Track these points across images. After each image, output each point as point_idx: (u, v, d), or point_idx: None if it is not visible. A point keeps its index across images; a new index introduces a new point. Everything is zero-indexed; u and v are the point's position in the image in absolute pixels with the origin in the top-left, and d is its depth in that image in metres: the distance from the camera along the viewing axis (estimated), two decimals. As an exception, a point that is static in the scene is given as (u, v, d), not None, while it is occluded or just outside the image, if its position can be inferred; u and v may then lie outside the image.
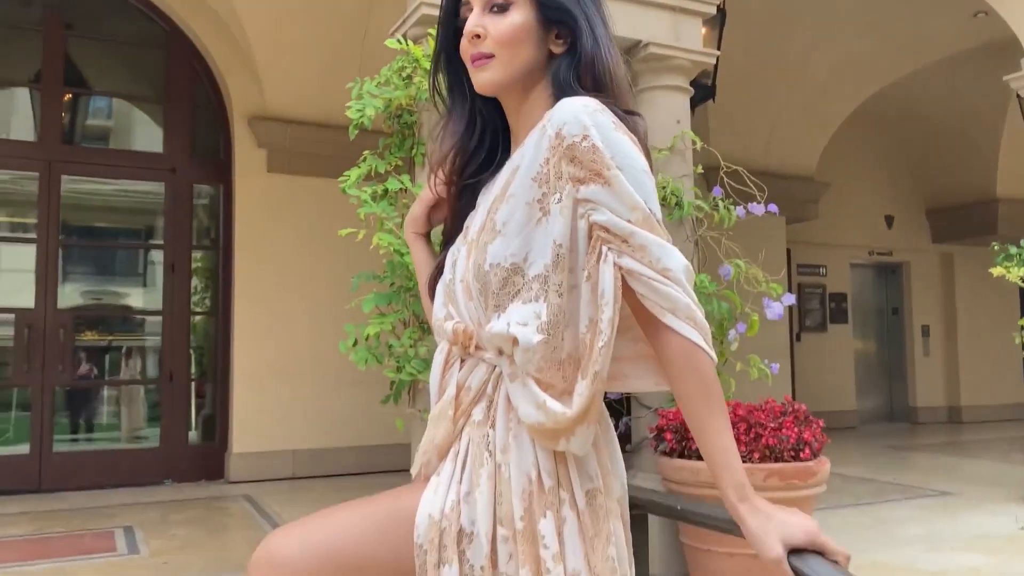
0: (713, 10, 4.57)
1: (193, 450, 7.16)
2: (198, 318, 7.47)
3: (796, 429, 3.64)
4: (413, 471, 1.30)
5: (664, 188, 4.20)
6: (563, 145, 1.19)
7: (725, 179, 4.70)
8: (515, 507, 1.17)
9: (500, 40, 1.29)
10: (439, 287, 1.34)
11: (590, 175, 1.19)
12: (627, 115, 1.27)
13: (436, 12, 2.96)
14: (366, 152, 3.79)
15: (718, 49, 7.00)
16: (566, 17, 1.30)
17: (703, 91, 6.98)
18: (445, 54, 1.37)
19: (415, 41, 3.74)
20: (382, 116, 3.79)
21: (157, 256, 7.37)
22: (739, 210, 4.35)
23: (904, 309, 12.24)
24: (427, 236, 1.53)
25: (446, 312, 1.29)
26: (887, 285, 12.41)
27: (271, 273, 7.05)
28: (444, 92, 1.40)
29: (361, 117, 3.67)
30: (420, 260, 1.51)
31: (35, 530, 5.19)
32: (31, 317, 6.71)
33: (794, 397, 10.34)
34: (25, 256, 6.89)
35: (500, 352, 1.22)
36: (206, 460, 7.06)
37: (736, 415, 3.71)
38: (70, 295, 7.20)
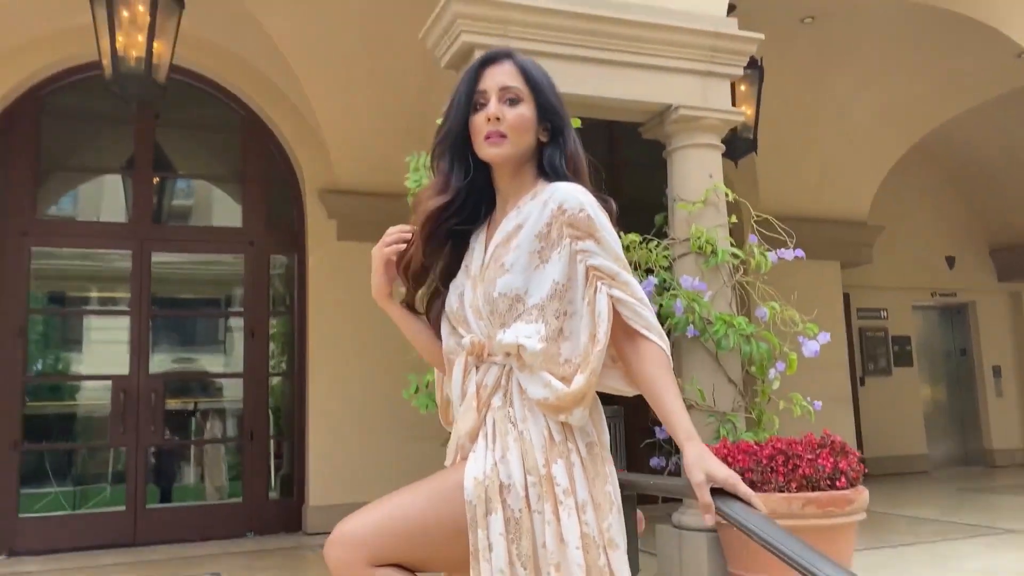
0: (740, 71, 4.89)
1: (273, 504, 7.59)
2: (275, 380, 7.97)
3: (832, 459, 3.83)
4: (447, 462, 1.64)
5: (699, 238, 4.50)
6: (564, 216, 1.63)
7: (777, 225, 4.94)
8: (538, 459, 1.56)
9: (513, 125, 1.68)
10: (443, 319, 1.70)
11: (585, 235, 1.62)
12: (599, 198, 1.68)
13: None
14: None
15: (758, 103, 7.34)
16: (554, 117, 1.72)
17: (745, 144, 7.30)
18: (458, 129, 1.73)
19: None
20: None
21: (237, 323, 7.94)
22: (772, 256, 4.58)
23: (972, 350, 12.05)
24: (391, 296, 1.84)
25: (456, 334, 1.65)
26: (953, 326, 12.27)
27: (343, 334, 7.50)
28: (444, 161, 1.74)
29: (417, 186, 4.11)
30: (399, 316, 1.83)
31: (132, 578, 5.64)
32: (125, 383, 7.30)
33: (860, 442, 10.32)
34: (119, 327, 7.53)
35: (508, 355, 1.58)
36: (285, 513, 7.47)
37: (775, 448, 3.92)
38: (160, 362, 7.78)
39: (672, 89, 4.65)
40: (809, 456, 3.85)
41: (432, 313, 1.79)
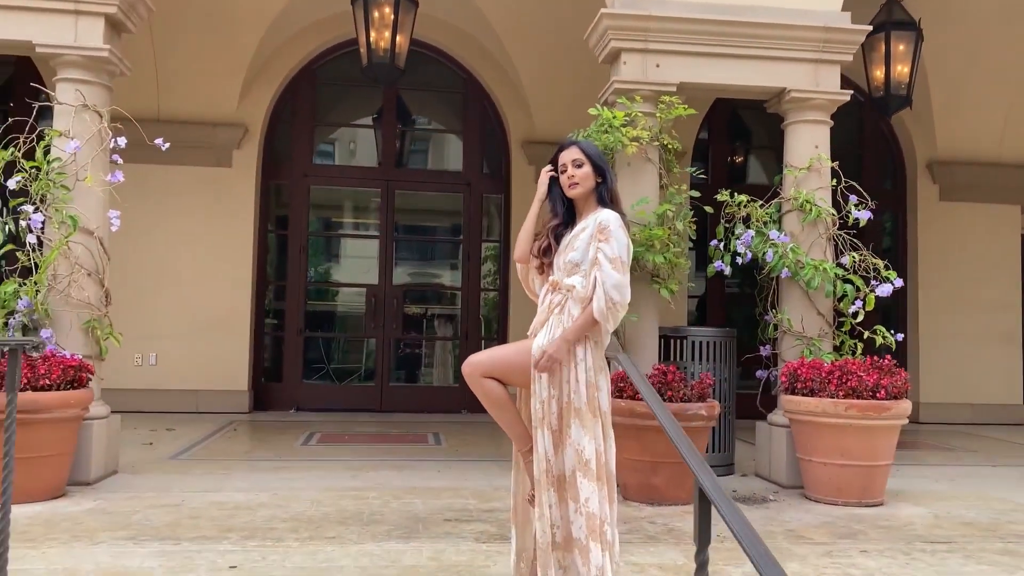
0: (850, 57, 5.79)
1: (481, 391, 9.61)
2: (490, 294, 9.89)
3: (876, 377, 4.96)
4: (528, 334, 3.19)
5: (796, 199, 5.62)
6: (601, 230, 3.00)
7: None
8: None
9: (580, 177, 3.12)
10: (540, 262, 3.13)
11: (605, 239, 2.99)
12: (623, 217, 3.06)
13: (627, 87, 4.93)
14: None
15: (913, 62, 7.93)
16: (602, 171, 3.11)
17: (897, 101, 7.97)
18: (554, 186, 3.20)
19: (609, 107, 5.54)
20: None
21: (458, 247, 9.94)
22: (864, 213, 5.59)
23: None
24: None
25: (546, 273, 3.11)
26: None
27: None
28: (556, 198, 3.21)
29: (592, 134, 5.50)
30: (534, 213, 3.19)
31: (379, 431, 7.85)
32: (375, 290, 9.56)
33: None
34: (371, 247, 9.77)
35: (568, 290, 3.02)
36: (490, 399, 9.46)
37: (835, 366, 5.09)
38: (400, 275, 9.96)
39: (786, 75, 5.71)
40: (860, 373, 5.01)
41: (535, 248, 3.26)
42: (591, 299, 2.94)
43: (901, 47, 7.85)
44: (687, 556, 3.69)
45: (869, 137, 10.21)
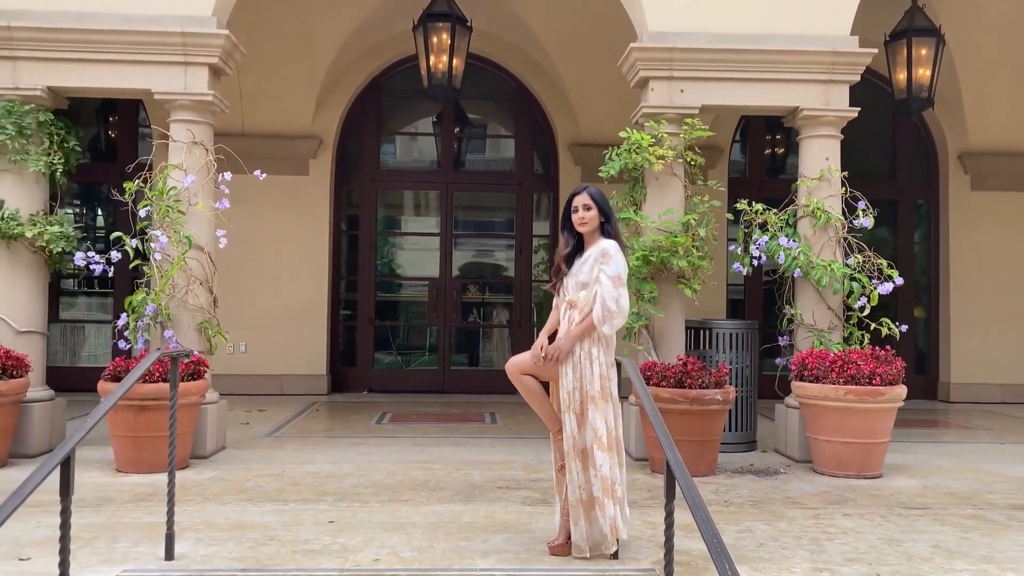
0: (857, 78, 6.42)
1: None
2: (542, 284, 10.75)
3: (873, 364, 5.67)
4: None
5: (808, 207, 6.31)
6: (603, 255, 3.84)
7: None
8: (586, 345, 3.82)
9: (588, 218, 3.93)
10: (560, 291, 3.98)
11: (606, 261, 3.83)
12: (622, 246, 3.87)
13: (654, 111, 5.88)
14: (614, 192, 6.51)
15: (935, 66, 8.45)
16: (606, 213, 3.91)
17: (919, 102, 8.53)
18: (567, 219, 4.02)
19: (639, 128, 6.31)
20: (624, 171, 6.44)
21: (511, 242, 10.82)
22: (866, 221, 6.25)
23: None
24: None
25: (561, 296, 3.95)
26: None
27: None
28: (566, 232, 4.04)
29: (610, 171, 6.33)
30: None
31: (441, 410, 8.83)
32: (437, 283, 10.54)
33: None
34: (432, 243, 10.72)
35: (574, 305, 3.87)
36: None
37: (837, 356, 5.81)
38: (458, 268, 10.89)
39: (798, 96, 6.38)
40: (859, 363, 5.72)
41: (560, 289, 4.08)
42: (591, 309, 3.76)
43: (923, 52, 8.38)
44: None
45: (902, 130, 10.70)
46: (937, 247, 10.67)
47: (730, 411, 6.44)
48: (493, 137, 11.22)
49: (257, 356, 9.84)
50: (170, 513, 3.67)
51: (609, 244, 3.83)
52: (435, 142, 10.84)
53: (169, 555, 3.64)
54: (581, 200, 3.89)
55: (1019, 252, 10.38)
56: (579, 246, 3.97)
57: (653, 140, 6.16)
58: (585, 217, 3.87)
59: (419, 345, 11.02)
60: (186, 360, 5.43)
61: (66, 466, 2.73)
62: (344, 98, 10.17)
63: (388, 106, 10.69)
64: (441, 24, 8.24)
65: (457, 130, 10.82)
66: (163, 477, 5.45)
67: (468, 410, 8.91)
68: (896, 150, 10.76)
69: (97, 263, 5.84)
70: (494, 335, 11.13)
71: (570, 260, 4.00)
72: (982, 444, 7.32)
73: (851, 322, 6.36)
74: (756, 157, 10.83)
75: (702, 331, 6.76)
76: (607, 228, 3.92)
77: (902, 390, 5.76)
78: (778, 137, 10.91)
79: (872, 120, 9.71)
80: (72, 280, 10.60)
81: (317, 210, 10.02)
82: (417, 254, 11.20)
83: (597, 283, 3.77)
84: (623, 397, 4.71)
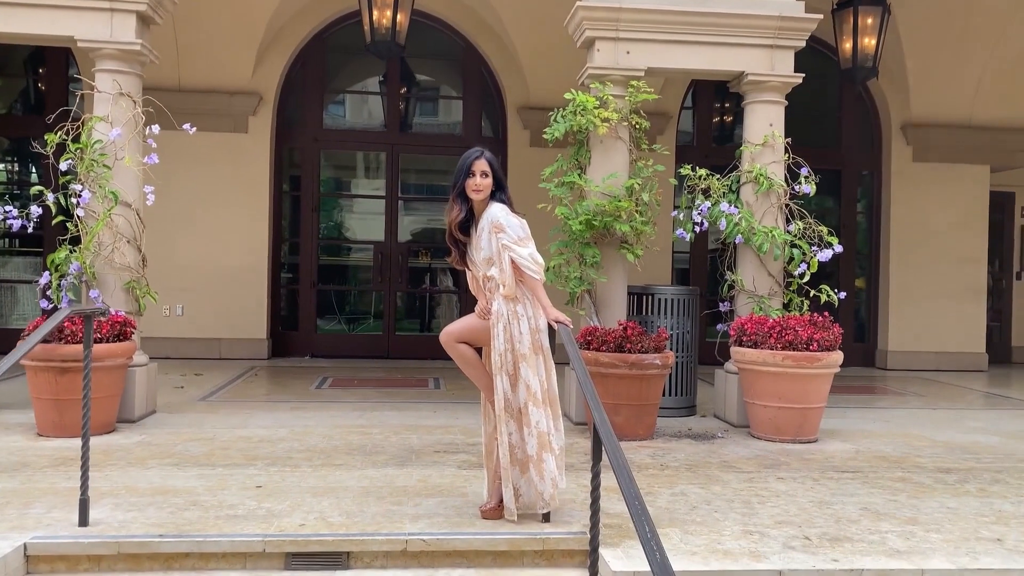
0: (803, 44, 6.38)
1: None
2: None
3: (810, 332, 5.70)
4: (476, 310, 3.94)
5: (751, 172, 6.30)
6: (494, 227, 3.69)
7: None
8: (511, 307, 3.71)
9: (483, 187, 3.79)
10: (469, 261, 3.88)
11: (500, 231, 3.69)
12: (512, 209, 3.76)
13: (600, 72, 5.78)
14: (559, 155, 6.41)
15: (879, 36, 8.49)
16: (500, 181, 3.77)
17: (864, 71, 8.58)
18: (462, 184, 3.88)
19: (585, 90, 6.20)
20: (569, 133, 6.32)
21: (459, 205, 10.65)
22: (807, 188, 6.25)
23: None
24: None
25: (476, 274, 3.85)
26: None
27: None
28: (458, 199, 3.88)
29: (555, 133, 6.21)
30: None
31: (385, 375, 8.72)
32: (382, 247, 10.34)
33: (999, 329, 11.32)
34: (378, 206, 10.51)
35: (491, 279, 3.77)
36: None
37: (775, 322, 5.84)
38: (405, 232, 10.71)
39: (744, 60, 6.33)
40: (797, 329, 5.75)
41: (463, 261, 3.92)
42: (511, 277, 3.67)
43: (869, 21, 8.41)
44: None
45: (847, 100, 10.77)
46: (879, 217, 10.81)
47: (670, 376, 6.48)
48: (442, 98, 11.00)
49: (195, 319, 9.59)
50: (84, 477, 3.52)
51: (495, 212, 3.69)
52: (381, 102, 10.58)
53: (83, 521, 3.50)
54: (480, 166, 3.73)
55: (958, 223, 10.58)
56: (471, 212, 3.82)
57: (598, 102, 6.06)
58: (481, 185, 3.72)
59: (364, 310, 10.86)
60: (102, 318, 5.22)
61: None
62: (286, 54, 9.86)
63: (332, 63, 10.39)
64: (385, -23, 7.99)
65: (404, 90, 10.58)
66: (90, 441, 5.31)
67: (412, 375, 8.82)
68: (841, 120, 10.84)
69: (15, 218, 5.57)
70: (442, 300, 11.01)
71: (464, 227, 3.84)
72: (914, 410, 7.47)
73: (791, 289, 6.39)
74: (704, 124, 10.82)
75: (644, 297, 6.74)
76: (497, 195, 3.77)
77: (838, 356, 5.82)
78: (726, 105, 10.90)
79: (817, 89, 9.74)
80: (2, 240, 10.20)
81: (257, 169, 9.74)
82: (362, 218, 11.00)
83: (505, 251, 3.65)
84: (564, 362, 4.64)
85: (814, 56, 7.63)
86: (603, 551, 3.26)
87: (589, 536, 2.84)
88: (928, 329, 10.53)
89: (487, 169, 3.73)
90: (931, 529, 3.81)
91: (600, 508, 2.86)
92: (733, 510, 4.05)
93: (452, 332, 3.86)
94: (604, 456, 2.66)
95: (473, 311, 3.96)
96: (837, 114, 10.83)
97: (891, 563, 3.34)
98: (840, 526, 3.82)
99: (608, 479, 2.79)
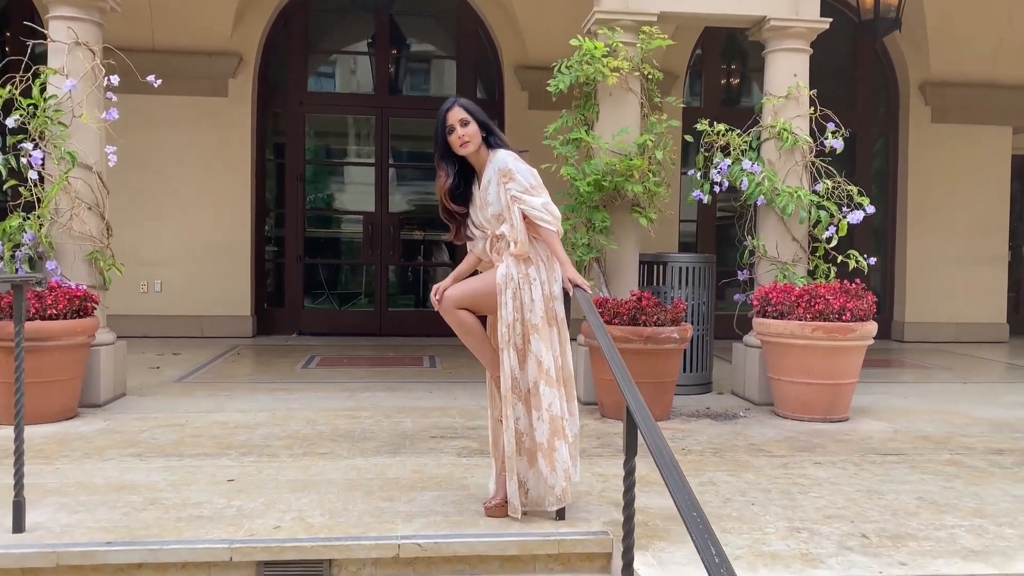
0: (830, -17, 5.82)
1: (477, 314, 9.93)
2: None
3: (843, 301, 5.18)
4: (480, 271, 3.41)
5: (774, 127, 5.75)
6: (502, 175, 3.17)
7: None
8: (522, 269, 3.18)
9: (469, 135, 3.24)
10: (470, 228, 3.32)
11: (510, 179, 3.17)
12: (518, 152, 3.23)
13: (608, 17, 5.09)
14: (563, 111, 5.84)
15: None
16: (485, 124, 3.21)
17: (887, 23, 7.98)
18: (444, 143, 3.29)
19: (591, 38, 5.62)
20: (575, 86, 5.74)
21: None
22: (838, 142, 5.72)
23: None
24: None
25: (479, 230, 3.31)
26: None
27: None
28: (443, 161, 3.29)
29: (559, 85, 5.63)
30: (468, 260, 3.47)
31: (377, 353, 8.19)
32: (373, 218, 9.77)
33: (1022, 304, 10.84)
34: (367, 175, 9.93)
35: (502, 236, 3.24)
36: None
37: (804, 290, 5.31)
38: (397, 203, 10.14)
39: (766, 4, 5.76)
40: (827, 297, 5.23)
41: (462, 235, 3.43)
42: (524, 233, 3.15)
43: (892, -29, 7.80)
44: (649, 467, 3.99)
45: (862, 59, 10.18)
46: (895, 181, 10.27)
47: (685, 351, 5.96)
48: (433, 58, 10.35)
49: (173, 295, 9.03)
50: (18, 474, 2.99)
51: (503, 158, 3.17)
52: (370, 63, 9.95)
53: (18, 527, 2.97)
54: (456, 116, 3.19)
55: (978, 187, 10.04)
56: (462, 174, 3.30)
57: (607, 50, 5.49)
58: (465, 134, 3.18)
59: (354, 285, 10.30)
60: (38, 288, 4.67)
61: None
62: (267, 12, 9.21)
63: (317, 23, 9.74)
64: (372, -75, 7.38)
65: (394, 51, 9.95)
66: (44, 429, 4.76)
67: (406, 353, 8.29)
68: (856, 80, 10.25)
69: (-42, 181, 4.99)
70: (437, 274, 10.45)
71: (456, 194, 3.32)
72: (944, 383, 6.98)
73: (817, 254, 5.87)
74: (712, 87, 10.21)
75: (656, 265, 6.22)
76: (492, 140, 3.25)
77: (872, 327, 5.30)
78: (733, 67, 10.31)
79: (832, 48, 9.15)
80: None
81: (238, 135, 9.12)
82: (351, 187, 10.41)
83: (515, 203, 3.13)
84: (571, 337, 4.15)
85: (829, 12, 7.02)
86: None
87: (623, 547, 2.31)
88: (948, 299, 10.03)
89: (465, 116, 3.19)
90: (1003, 523, 3.31)
91: (634, 512, 2.33)
92: (772, 502, 3.54)
93: (452, 297, 3.30)
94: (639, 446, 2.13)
95: (470, 279, 3.42)
96: (852, 73, 10.24)
97: (970, 567, 2.84)
98: (898, 520, 3.32)
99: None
